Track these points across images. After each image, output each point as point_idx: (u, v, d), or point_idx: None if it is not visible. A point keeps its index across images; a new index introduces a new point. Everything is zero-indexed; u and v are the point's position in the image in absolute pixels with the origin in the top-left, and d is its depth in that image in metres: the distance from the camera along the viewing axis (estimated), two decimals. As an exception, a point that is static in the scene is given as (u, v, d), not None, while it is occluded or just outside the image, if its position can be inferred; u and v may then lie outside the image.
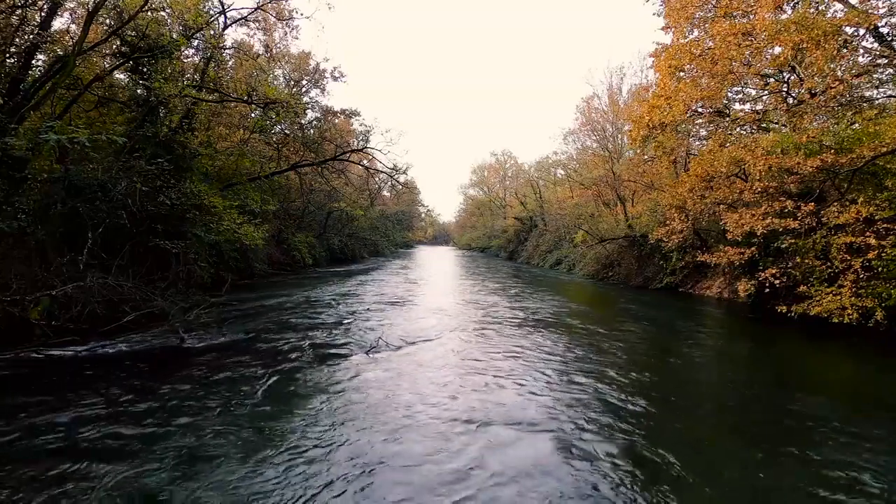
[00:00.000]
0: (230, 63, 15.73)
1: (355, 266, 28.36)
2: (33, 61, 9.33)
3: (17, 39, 9.01)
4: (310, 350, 7.35)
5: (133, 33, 10.31)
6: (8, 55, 8.86)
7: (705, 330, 10.37)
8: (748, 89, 13.71)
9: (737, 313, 12.47)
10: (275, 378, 5.92)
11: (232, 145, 16.98)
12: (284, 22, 15.54)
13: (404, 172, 20.71)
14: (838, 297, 9.68)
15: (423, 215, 72.44)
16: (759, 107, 13.48)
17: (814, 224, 10.28)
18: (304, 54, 23.40)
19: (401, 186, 23.49)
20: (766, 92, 13.01)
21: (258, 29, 16.00)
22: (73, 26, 11.06)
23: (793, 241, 10.57)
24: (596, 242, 21.55)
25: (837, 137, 9.84)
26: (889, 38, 10.68)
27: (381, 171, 21.81)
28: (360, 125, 23.42)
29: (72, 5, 10.59)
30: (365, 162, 22.44)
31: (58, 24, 10.67)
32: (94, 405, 4.88)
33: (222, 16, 13.38)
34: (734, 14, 11.64)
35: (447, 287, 18.25)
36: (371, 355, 7.12)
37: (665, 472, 3.86)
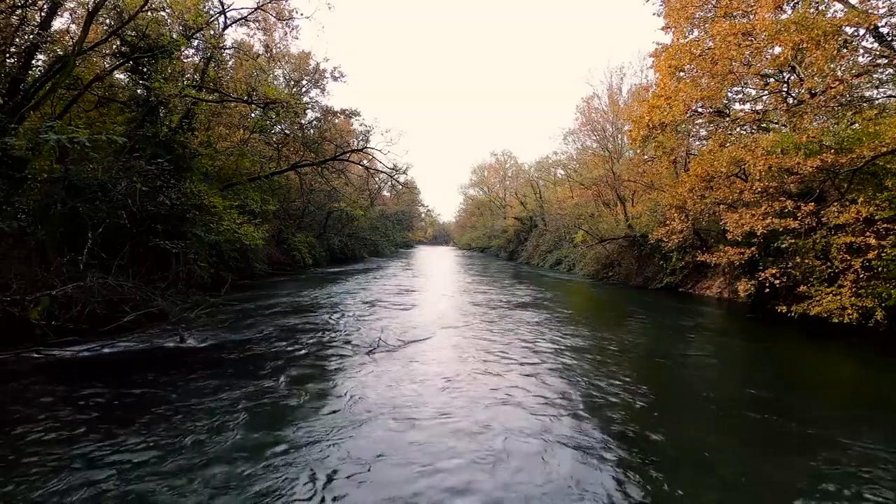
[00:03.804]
0: (230, 63, 15.73)
1: (355, 266, 28.36)
2: (33, 61, 9.32)
3: (17, 39, 9.00)
4: (310, 350, 7.36)
5: (133, 33, 10.31)
6: (8, 55, 8.85)
7: (705, 330, 10.36)
8: (748, 89, 13.71)
9: (737, 313, 12.46)
10: (275, 378, 5.92)
11: (232, 145, 16.97)
12: (284, 22, 15.54)
13: (404, 172, 20.72)
14: (838, 297, 9.68)
15: (423, 215, 72.45)
16: (759, 107, 13.48)
17: (814, 224, 10.28)
18: (304, 54, 23.40)
19: (401, 186, 23.51)
20: (766, 92, 13.01)
21: (258, 29, 16.01)
22: (73, 26, 11.05)
23: (793, 241, 10.56)
24: (596, 242, 21.55)
25: (837, 137, 9.84)
26: (889, 38, 10.68)
27: (381, 171, 21.81)
28: (360, 125, 23.46)
29: (72, 5, 10.59)
30: (365, 162, 22.45)
31: (58, 24, 10.67)
32: (94, 405, 4.88)
33: (222, 16, 13.39)
34: (734, 14, 11.64)
35: (446, 287, 18.24)
36: (371, 355, 7.12)
37: (663, 471, 3.85)
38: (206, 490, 3.40)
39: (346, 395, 5.47)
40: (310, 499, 3.37)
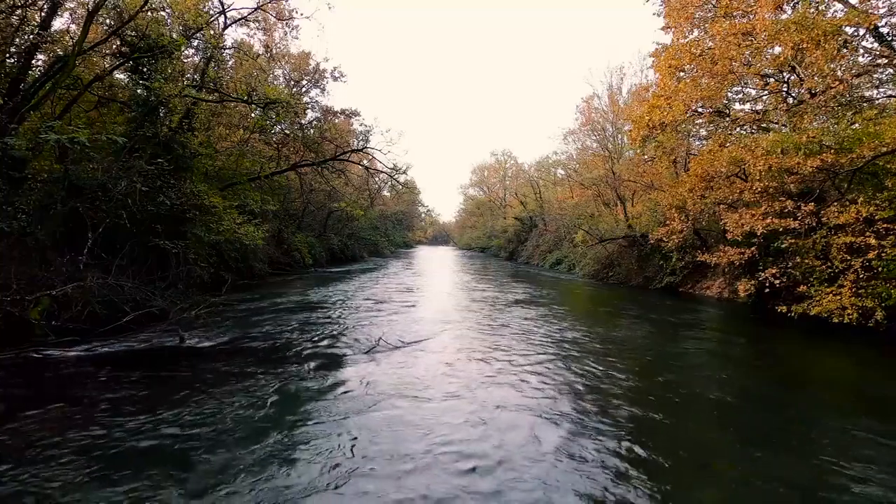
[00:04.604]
0: (230, 63, 15.75)
1: (355, 266, 28.36)
2: (33, 61, 9.33)
3: (17, 39, 9.01)
4: (310, 350, 7.36)
5: (133, 33, 10.31)
6: (8, 55, 8.86)
7: (705, 330, 10.36)
8: (748, 89, 13.71)
9: (737, 313, 12.47)
10: (275, 378, 5.92)
11: (232, 145, 16.99)
12: (284, 22, 15.58)
13: (404, 172, 20.76)
14: (838, 297, 9.67)
15: (423, 215, 72.44)
16: (759, 107, 13.48)
17: (814, 224, 10.27)
18: (304, 54, 23.40)
19: (401, 186, 23.50)
20: (766, 92, 13.00)
21: (258, 29, 16.04)
22: (73, 26, 11.07)
23: (793, 241, 10.56)
24: (596, 242, 21.55)
25: (837, 137, 9.82)
26: (889, 38, 10.68)
27: (381, 171, 21.84)
28: (360, 125, 23.48)
29: (72, 5, 10.61)
30: (365, 162, 22.45)
31: (58, 24, 10.69)
32: (94, 405, 4.87)
33: (222, 16, 13.40)
34: (734, 14, 11.64)
35: (446, 287, 18.25)
36: (371, 355, 7.13)
37: (664, 471, 3.86)
38: (204, 488, 3.39)
39: (357, 382, 5.86)
40: (337, 461, 3.86)
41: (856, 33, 10.91)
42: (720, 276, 15.52)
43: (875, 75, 11.22)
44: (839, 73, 10.42)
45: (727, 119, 13.16)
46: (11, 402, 4.94)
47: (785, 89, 12.42)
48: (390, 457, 3.95)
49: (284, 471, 3.67)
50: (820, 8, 10.50)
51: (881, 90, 11.52)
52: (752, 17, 11.21)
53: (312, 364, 6.60)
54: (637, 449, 4.22)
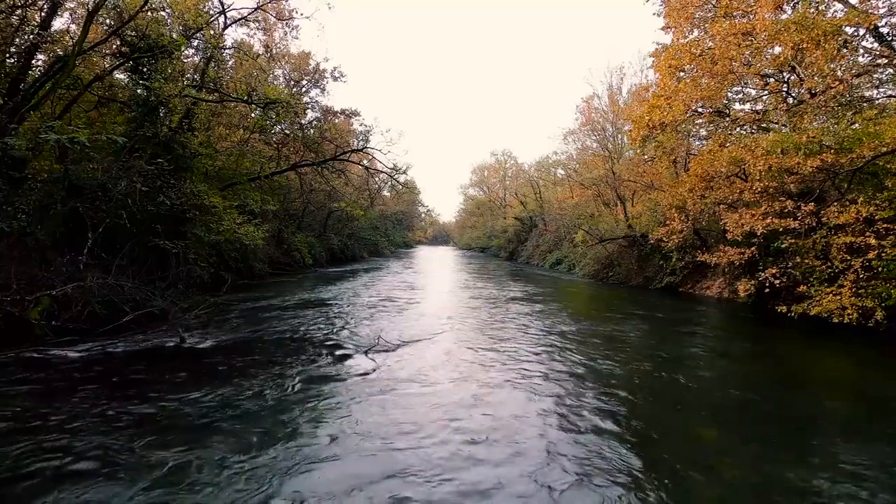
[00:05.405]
0: (230, 63, 15.75)
1: (356, 266, 28.36)
2: (33, 61, 9.34)
3: (17, 39, 9.02)
4: (310, 349, 7.36)
5: (133, 33, 10.31)
6: (8, 55, 8.87)
7: (705, 329, 10.37)
8: (748, 89, 13.71)
9: (737, 313, 12.47)
10: (275, 378, 5.92)
11: (232, 145, 17.00)
12: (284, 22, 15.59)
13: (404, 172, 20.75)
14: (838, 297, 9.67)
15: (423, 215, 72.42)
16: (759, 107, 13.48)
17: (814, 224, 10.27)
18: (304, 54, 23.41)
19: (401, 186, 23.50)
20: (766, 92, 13.00)
21: (258, 29, 16.05)
22: (73, 26, 11.07)
23: (793, 241, 10.56)
24: (596, 242, 21.54)
25: (837, 137, 9.81)
26: (889, 38, 10.68)
27: (381, 171, 21.84)
28: (360, 125, 23.46)
29: (72, 5, 10.62)
30: (365, 162, 22.45)
31: (58, 24, 10.70)
32: (94, 405, 4.87)
33: (222, 16, 13.40)
34: (734, 14, 11.65)
35: (446, 287, 18.25)
36: (371, 355, 7.13)
37: (664, 470, 3.85)
38: (205, 489, 3.39)
39: (366, 371, 6.21)
40: (357, 431, 4.37)
41: (856, 33, 10.91)
42: (720, 276, 15.52)
43: (875, 75, 11.23)
44: (839, 73, 10.42)
45: (727, 119, 13.16)
46: (7, 403, 4.94)
47: (785, 89, 12.42)
48: (403, 427, 4.50)
49: (312, 440, 4.20)
50: (820, 8, 10.50)
51: (881, 90, 11.53)
52: (752, 17, 11.21)
53: (319, 358, 6.79)
54: (632, 446, 4.21)
